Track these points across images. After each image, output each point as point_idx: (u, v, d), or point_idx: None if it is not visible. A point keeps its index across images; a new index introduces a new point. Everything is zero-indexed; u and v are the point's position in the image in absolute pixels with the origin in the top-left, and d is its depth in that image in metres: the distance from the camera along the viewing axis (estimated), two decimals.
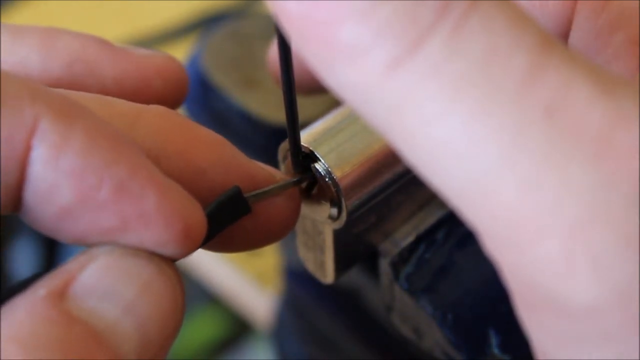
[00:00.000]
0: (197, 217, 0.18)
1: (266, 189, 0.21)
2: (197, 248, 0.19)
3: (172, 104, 0.23)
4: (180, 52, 0.43)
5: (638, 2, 0.20)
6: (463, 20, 0.15)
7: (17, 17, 0.66)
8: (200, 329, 0.74)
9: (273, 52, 0.28)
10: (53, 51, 0.22)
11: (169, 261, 0.18)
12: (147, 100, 0.21)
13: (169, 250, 0.18)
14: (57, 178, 0.17)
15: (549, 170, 0.15)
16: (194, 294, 0.71)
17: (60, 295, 0.17)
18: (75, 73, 0.22)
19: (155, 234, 0.18)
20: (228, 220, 0.21)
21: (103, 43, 0.23)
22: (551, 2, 0.21)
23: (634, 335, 0.15)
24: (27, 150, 0.17)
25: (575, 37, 0.21)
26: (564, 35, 0.21)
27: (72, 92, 0.20)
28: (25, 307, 0.16)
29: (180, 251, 0.18)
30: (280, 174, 0.22)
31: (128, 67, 0.23)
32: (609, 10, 0.20)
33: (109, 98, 0.20)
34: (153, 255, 0.18)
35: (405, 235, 0.26)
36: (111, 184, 0.17)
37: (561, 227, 0.15)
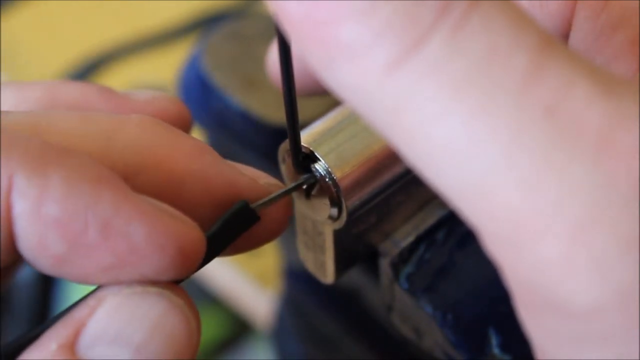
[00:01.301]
0: (191, 235, 0.18)
1: (272, 196, 0.22)
2: (205, 263, 0.19)
3: None
4: (180, 52, 0.43)
5: (638, 2, 0.20)
6: (463, 20, 0.15)
7: (17, 17, 0.66)
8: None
9: (272, 55, 0.28)
10: (55, 104, 0.22)
11: (180, 290, 0.18)
12: None
13: (170, 275, 0.18)
14: (44, 230, 0.17)
15: (549, 170, 0.15)
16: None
17: (71, 346, 0.17)
18: None
19: (152, 264, 0.18)
20: (239, 230, 0.21)
21: (103, 90, 0.23)
22: (551, 2, 0.21)
23: (634, 336, 0.15)
24: (9, 208, 0.17)
25: (575, 37, 0.21)
26: (564, 36, 0.21)
27: (51, 112, 0.20)
28: None
29: (183, 272, 0.18)
30: (263, 176, 0.22)
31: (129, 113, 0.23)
32: (609, 10, 0.20)
33: (88, 113, 0.20)
34: (163, 290, 0.18)
35: (405, 235, 0.26)
36: (96, 225, 0.17)
37: (562, 228, 0.15)
